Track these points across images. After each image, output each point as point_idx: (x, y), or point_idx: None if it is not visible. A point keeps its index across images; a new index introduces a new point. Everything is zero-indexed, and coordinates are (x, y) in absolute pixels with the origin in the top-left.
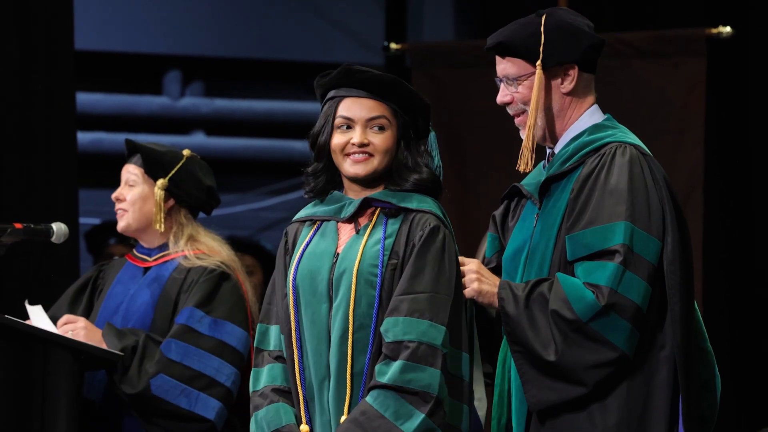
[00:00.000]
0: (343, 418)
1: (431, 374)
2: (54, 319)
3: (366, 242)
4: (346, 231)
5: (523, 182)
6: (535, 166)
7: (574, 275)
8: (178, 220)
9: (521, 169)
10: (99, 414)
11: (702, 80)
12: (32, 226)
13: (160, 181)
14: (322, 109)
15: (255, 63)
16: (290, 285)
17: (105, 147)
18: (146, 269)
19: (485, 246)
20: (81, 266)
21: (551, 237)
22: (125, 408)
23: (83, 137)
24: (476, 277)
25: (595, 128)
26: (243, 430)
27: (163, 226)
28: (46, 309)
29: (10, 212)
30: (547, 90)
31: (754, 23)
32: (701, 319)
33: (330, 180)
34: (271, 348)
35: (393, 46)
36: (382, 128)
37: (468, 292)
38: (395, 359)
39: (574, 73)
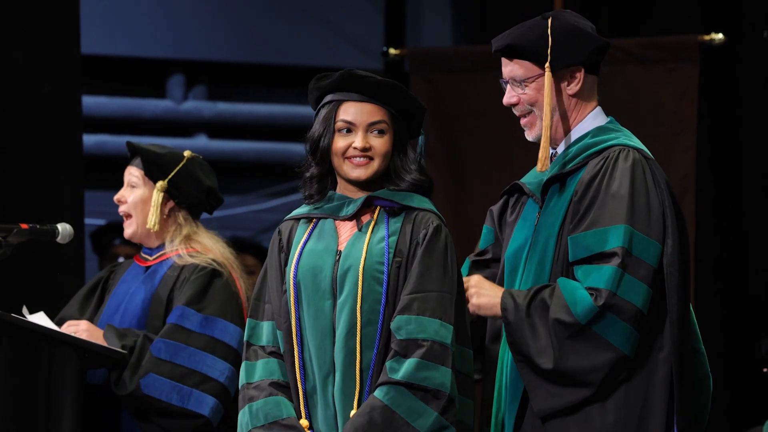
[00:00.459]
0: (352, 413)
1: (444, 373)
2: (65, 319)
3: (369, 240)
4: (347, 229)
5: (523, 180)
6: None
7: (575, 277)
8: (177, 220)
9: (539, 169)
10: (98, 412)
11: (694, 86)
12: (38, 226)
13: (159, 183)
14: (317, 111)
15: (257, 67)
16: (291, 282)
17: (110, 149)
18: (147, 268)
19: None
20: (86, 266)
21: (552, 235)
22: (123, 406)
23: (88, 139)
24: (474, 292)
25: (599, 131)
26: None
27: (157, 225)
28: (55, 311)
29: (17, 212)
30: (554, 91)
31: (745, 31)
32: (695, 320)
33: (330, 181)
34: (264, 343)
35: (392, 51)
36: (381, 132)
37: (469, 308)
38: (407, 357)
39: (580, 75)
